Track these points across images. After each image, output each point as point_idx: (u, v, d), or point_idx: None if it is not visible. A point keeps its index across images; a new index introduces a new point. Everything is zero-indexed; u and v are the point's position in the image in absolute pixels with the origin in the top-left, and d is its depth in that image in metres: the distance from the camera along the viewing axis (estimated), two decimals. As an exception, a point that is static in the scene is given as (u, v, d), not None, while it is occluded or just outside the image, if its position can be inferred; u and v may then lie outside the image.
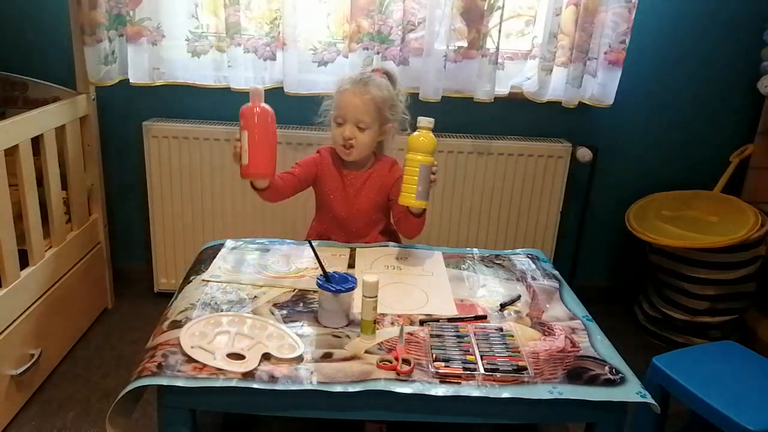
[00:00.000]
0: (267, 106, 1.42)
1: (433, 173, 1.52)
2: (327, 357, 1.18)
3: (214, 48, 2.15)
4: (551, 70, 2.18)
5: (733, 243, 2.09)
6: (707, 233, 2.18)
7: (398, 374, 1.14)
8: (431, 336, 1.27)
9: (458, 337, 1.27)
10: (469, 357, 1.20)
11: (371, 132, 1.64)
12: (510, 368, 1.17)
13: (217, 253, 1.59)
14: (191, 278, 1.47)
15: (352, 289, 1.29)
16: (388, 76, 1.70)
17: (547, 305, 1.44)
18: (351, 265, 1.56)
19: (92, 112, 2.16)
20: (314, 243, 1.40)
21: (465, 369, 1.16)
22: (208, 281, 1.45)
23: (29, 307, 1.82)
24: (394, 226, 1.76)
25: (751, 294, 2.27)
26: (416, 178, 1.48)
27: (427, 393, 1.11)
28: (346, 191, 1.71)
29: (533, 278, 1.57)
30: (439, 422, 1.16)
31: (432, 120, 1.50)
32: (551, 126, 2.36)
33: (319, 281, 1.29)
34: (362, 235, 1.74)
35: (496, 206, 2.35)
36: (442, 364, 1.17)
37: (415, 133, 1.51)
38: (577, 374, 1.18)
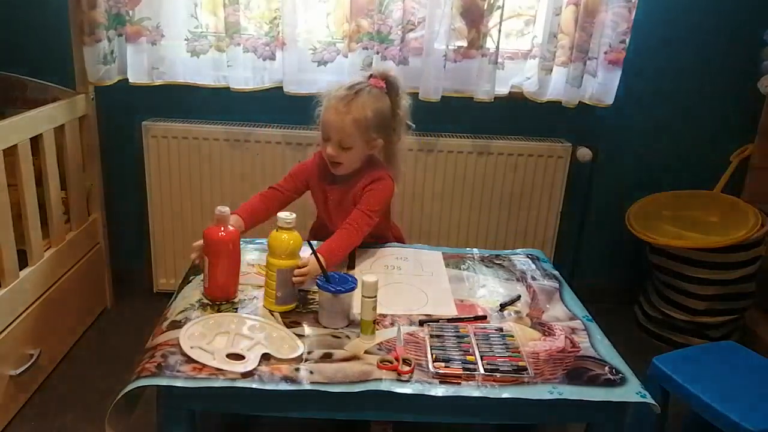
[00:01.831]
0: (232, 229, 1.37)
1: (299, 276, 1.35)
2: (327, 357, 1.18)
3: (213, 48, 2.15)
4: (551, 70, 2.18)
5: (733, 243, 2.09)
6: (707, 233, 2.18)
7: (399, 374, 1.14)
8: (431, 336, 1.26)
9: (458, 337, 1.27)
10: (469, 357, 1.20)
11: (356, 150, 1.56)
12: (510, 368, 1.17)
13: (216, 253, 1.59)
14: (191, 278, 1.47)
15: (352, 289, 1.29)
16: (388, 82, 1.58)
17: (547, 305, 1.44)
18: (351, 266, 1.56)
19: (91, 111, 2.16)
20: (314, 243, 1.39)
21: (465, 369, 1.16)
22: (207, 281, 1.45)
23: (28, 307, 1.81)
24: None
25: (751, 294, 2.27)
26: (275, 283, 1.33)
27: (427, 393, 1.11)
28: (327, 205, 1.67)
29: (533, 278, 1.57)
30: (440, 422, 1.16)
31: (293, 216, 1.34)
32: (551, 126, 2.36)
33: (319, 282, 1.30)
34: None
35: (496, 206, 2.35)
36: (442, 364, 1.17)
37: (275, 231, 1.35)
38: (577, 374, 1.18)
